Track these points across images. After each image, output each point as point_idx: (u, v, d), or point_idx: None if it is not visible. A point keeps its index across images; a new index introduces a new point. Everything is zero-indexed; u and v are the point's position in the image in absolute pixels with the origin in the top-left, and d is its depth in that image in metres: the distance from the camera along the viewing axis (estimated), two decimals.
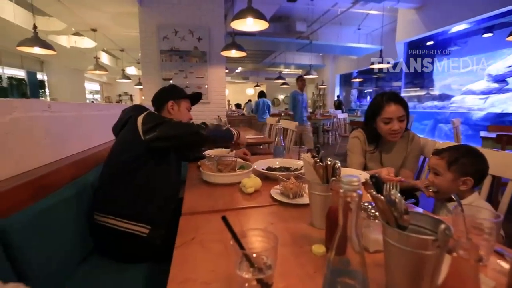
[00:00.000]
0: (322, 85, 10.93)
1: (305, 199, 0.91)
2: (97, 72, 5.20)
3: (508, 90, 5.28)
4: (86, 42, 5.49)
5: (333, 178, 0.68)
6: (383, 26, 6.49)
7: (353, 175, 0.38)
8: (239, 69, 11.79)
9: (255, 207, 0.94)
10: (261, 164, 1.34)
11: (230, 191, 1.10)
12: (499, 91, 5.42)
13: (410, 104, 7.49)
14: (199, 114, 3.98)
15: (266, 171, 1.22)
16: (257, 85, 10.53)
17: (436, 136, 6.76)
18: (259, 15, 2.24)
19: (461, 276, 0.35)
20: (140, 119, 1.09)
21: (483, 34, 5.69)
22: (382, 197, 0.47)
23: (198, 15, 3.89)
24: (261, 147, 2.84)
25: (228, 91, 13.77)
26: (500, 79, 5.42)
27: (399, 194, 0.47)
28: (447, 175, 0.94)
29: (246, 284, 0.46)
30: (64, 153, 1.25)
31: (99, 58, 5.64)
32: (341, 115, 6.36)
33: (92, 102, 9.93)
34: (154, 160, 1.10)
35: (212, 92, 4.03)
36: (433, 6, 5.34)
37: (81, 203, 1.03)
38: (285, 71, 12.05)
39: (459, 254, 0.34)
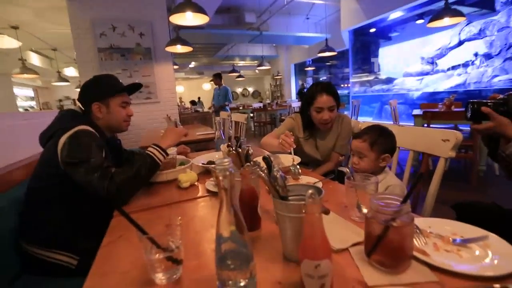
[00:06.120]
0: (277, 75, 11.09)
1: None
2: (25, 75, 4.57)
3: (438, 71, 5.89)
4: (7, 42, 4.76)
5: (247, 164, 0.73)
6: (326, 16, 6.76)
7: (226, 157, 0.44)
8: (192, 64, 11.38)
9: (188, 200, 0.97)
10: (201, 158, 1.35)
11: (167, 187, 1.10)
12: (432, 72, 6.03)
13: (361, 89, 8.03)
14: (149, 114, 3.77)
15: (202, 165, 1.23)
16: (211, 80, 10.29)
17: (383, 117, 7.33)
18: (198, 9, 2.14)
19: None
20: (61, 144, 0.94)
21: (416, 20, 6.23)
22: (263, 175, 0.57)
23: (138, 8, 3.60)
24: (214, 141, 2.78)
25: (184, 88, 13.27)
26: (431, 61, 6.02)
27: (280, 172, 0.58)
28: (370, 155, 1.02)
29: (162, 266, 0.52)
30: None
31: (25, 59, 4.95)
32: (295, 103, 6.54)
33: (27, 110, 8.80)
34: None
35: (161, 90, 3.82)
36: None
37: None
38: (241, 63, 11.96)
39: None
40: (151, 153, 1.03)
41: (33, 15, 4.17)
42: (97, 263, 0.61)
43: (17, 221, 0.98)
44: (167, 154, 1.09)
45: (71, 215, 0.98)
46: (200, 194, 1.01)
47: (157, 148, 1.05)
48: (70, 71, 8.22)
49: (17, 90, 9.11)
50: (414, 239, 0.56)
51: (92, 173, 0.90)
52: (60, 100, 10.93)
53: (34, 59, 6.95)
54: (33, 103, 10.35)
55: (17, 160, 1.39)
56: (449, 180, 2.90)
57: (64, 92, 10.91)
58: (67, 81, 6.49)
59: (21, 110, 8.63)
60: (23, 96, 10.02)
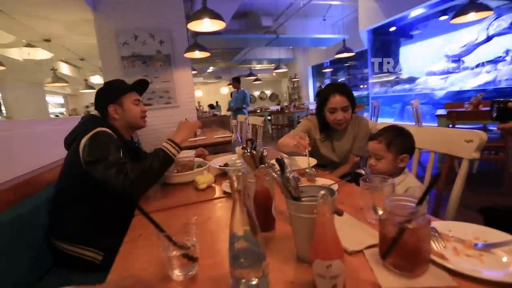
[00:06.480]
0: (294, 78, 11.03)
1: None
2: (56, 84, 4.89)
3: (464, 69, 5.60)
4: (41, 54, 5.15)
5: (261, 165, 0.73)
6: (343, 17, 6.65)
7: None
8: (211, 69, 11.60)
9: (205, 201, 0.99)
10: (218, 161, 1.38)
11: (185, 189, 1.14)
12: (458, 70, 5.74)
13: (381, 89, 7.77)
14: (169, 119, 3.88)
15: (219, 167, 1.26)
16: (230, 84, 10.43)
17: (405, 118, 7.07)
18: (215, 15, 2.20)
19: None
20: (82, 145, 1.01)
21: (439, 17, 5.98)
22: (276, 175, 0.58)
23: (158, 17, 3.76)
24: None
25: (202, 92, 13.54)
26: (457, 59, 5.74)
27: (293, 173, 0.60)
28: (388, 156, 1.01)
29: (179, 263, 0.54)
30: (16, 172, 1.17)
31: (56, 69, 5.31)
32: (312, 106, 6.47)
33: (57, 116, 9.39)
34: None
35: (180, 95, 3.93)
36: None
37: (33, 221, 0.99)
38: (258, 66, 12.02)
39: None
40: (164, 147, 1.05)
41: (63, 28, 4.45)
42: (119, 259, 0.64)
43: (48, 218, 1.06)
44: (181, 148, 1.10)
45: (93, 214, 1.04)
46: (216, 195, 1.04)
47: (170, 143, 1.06)
48: (96, 79, 8.69)
49: (49, 98, 9.75)
50: (432, 242, 0.55)
51: (110, 169, 0.94)
52: (87, 107, 11.53)
53: (64, 69, 7.42)
54: (63, 110, 11.02)
55: (49, 162, 1.49)
56: (478, 183, 2.74)
57: (90, 99, 11.47)
58: (93, 88, 6.87)
59: (52, 116, 9.22)
60: (54, 103, 10.70)
